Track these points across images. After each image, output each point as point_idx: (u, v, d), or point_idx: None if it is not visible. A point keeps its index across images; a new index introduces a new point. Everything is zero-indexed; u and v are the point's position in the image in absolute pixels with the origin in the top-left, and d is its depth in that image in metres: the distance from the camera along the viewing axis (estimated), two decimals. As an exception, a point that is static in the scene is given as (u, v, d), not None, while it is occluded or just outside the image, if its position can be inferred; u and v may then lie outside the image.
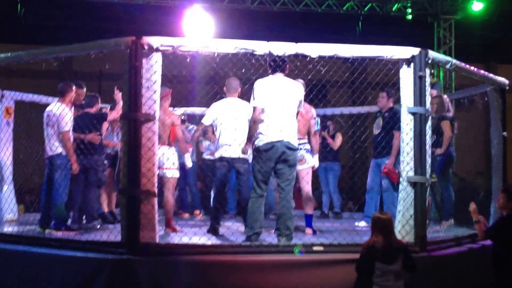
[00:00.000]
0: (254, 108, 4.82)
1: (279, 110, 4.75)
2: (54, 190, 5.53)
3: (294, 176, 4.89)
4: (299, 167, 5.83)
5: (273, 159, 4.73)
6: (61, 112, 5.55)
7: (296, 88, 4.90)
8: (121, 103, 5.73)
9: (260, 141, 4.76)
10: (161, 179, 5.78)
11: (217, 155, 5.77)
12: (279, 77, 4.88)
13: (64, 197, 5.57)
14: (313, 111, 5.98)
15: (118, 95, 5.89)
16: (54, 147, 5.56)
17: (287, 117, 4.79)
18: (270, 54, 4.69)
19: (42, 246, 4.73)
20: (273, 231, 5.21)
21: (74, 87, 5.73)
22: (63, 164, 5.55)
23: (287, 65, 4.92)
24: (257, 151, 4.79)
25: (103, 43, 4.67)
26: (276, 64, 4.83)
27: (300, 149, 5.82)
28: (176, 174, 5.88)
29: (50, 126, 5.58)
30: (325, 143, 7.91)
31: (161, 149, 5.64)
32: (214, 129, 5.81)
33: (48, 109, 5.72)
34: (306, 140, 5.94)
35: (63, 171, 5.54)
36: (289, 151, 4.75)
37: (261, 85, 4.80)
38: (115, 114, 5.96)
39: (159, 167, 5.68)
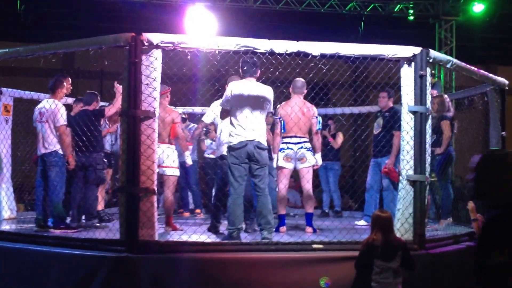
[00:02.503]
0: (222, 109, 5.07)
1: (251, 112, 4.91)
2: (50, 188, 5.50)
3: (267, 173, 5.10)
4: (300, 165, 5.84)
5: (245, 157, 4.91)
6: (54, 107, 5.53)
7: (266, 92, 5.04)
8: (120, 97, 5.73)
9: (234, 139, 4.92)
10: (161, 177, 5.79)
11: (218, 153, 5.78)
12: (251, 80, 5.02)
13: (61, 196, 5.54)
14: (314, 110, 5.99)
15: (118, 88, 5.88)
16: (47, 144, 5.54)
17: (258, 118, 4.96)
18: (243, 59, 4.91)
19: (40, 244, 4.72)
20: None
21: (65, 83, 5.70)
22: (57, 161, 5.52)
23: (259, 70, 5.07)
24: (231, 149, 4.94)
25: (103, 40, 4.67)
26: (248, 68, 4.99)
27: (302, 147, 5.83)
28: (176, 172, 5.88)
29: (44, 122, 5.56)
30: (326, 142, 7.92)
31: (161, 147, 5.64)
32: (216, 127, 5.82)
33: (39, 106, 5.70)
34: (307, 139, 5.95)
35: (58, 169, 5.51)
36: (260, 150, 4.94)
37: (233, 87, 4.96)
38: (113, 109, 5.94)
39: (159, 165, 5.68)
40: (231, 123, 4.97)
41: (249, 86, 4.97)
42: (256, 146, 4.90)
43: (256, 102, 4.94)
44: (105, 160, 6.28)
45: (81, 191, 6.00)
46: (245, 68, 5.00)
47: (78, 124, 5.89)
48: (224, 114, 5.09)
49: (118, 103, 5.91)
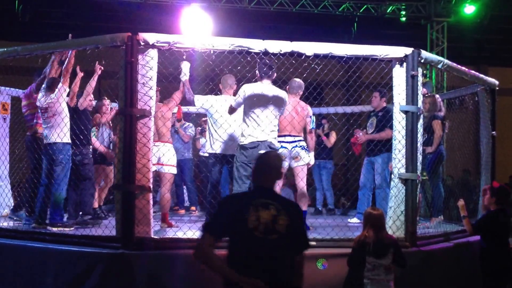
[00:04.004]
0: (232, 107, 5.24)
1: (265, 113, 5.03)
2: (54, 184, 5.49)
3: None
4: (294, 164, 5.92)
5: (256, 157, 4.91)
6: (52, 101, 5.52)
7: (281, 94, 5.18)
8: (94, 80, 5.72)
9: (246, 140, 5.03)
10: (158, 175, 5.84)
11: (209, 151, 5.79)
12: (266, 83, 5.15)
13: (64, 192, 5.53)
14: (309, 110, 6.08)
15: (98, 68, 5.81)
16: (48, 136, 5.54)
17: (272, 120, 5.09)
18: (260, 62, 5.01)
19: (37, 240, 4.77)
20: None
21: (61, 82, 5.71)
22: (56, 153, 5.48)
23: (274, 73, 5.20)
24: (242, 148, 5.04)
25: (99, 39, 4.71)
26: (265, 71, 5.12)
27: (296, 146, 5.91)
28: (173, 170, 5.95)
29: (44, 119, 5.59)
30: (319, 140, 8.00)
31: (159, 145, 5.71)
32: (210, 124, 5.81)
33: (38, 104, 5.74)
34: (301, 137, 6.03)
35: (58, 161, 5.48)
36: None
37: (248, 89, 5.07)
38: (85, 102, 5.85)
39: (157, 163, 5.75)
40: (244, 122, 5.08)
41: (264, 88, 5.10)
42: (268, 146, 5.03)
43: (270, 104, 5.06)
44: (90, 156, 6.28)
45: (77, 188, 6.01)
46: (263, 70, 5.13)
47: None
48: (232, 111, 5.24)
49: (89, 88, 5.79)
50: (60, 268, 4.44)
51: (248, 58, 4.94)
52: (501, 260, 4.87)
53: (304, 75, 5.58)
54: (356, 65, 5.22)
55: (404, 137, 4.85)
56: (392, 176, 4.94)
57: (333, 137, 8.17)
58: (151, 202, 4.54)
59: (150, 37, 4.48)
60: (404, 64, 4.88)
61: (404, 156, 4.84)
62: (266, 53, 4.74)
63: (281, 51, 4.71)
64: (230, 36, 4.75)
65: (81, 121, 5.87)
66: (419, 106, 4.88)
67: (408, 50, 4.86)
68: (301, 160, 5.92)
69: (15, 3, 10.88)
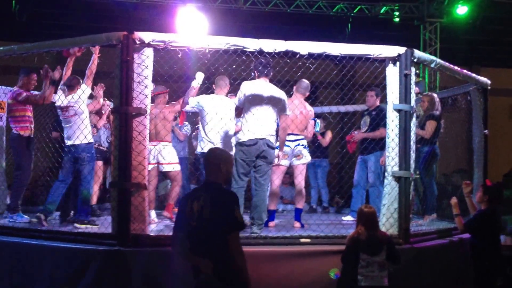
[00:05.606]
0: (236, 107, 5.27)
1: (263, 111, 5.06)
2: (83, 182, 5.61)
3: (270, 171, 5.29)
4: (296, 162, 5.99)
5: (254, 154, 5.04)
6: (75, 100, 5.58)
7: (278, 93, 5.21)
8: (100, 100, 5.83)
9: (244, 136, 5.05)
10: (166, 174, 6.02)
11: (199, 150, 5.79)
12: (264, 81, 5.20)
13: (91, 184, 5.62)
14: (312, 112, 6.17)
15: (99, 91, 5.93)
16: (70, 136, 5.60)
17: (269, 118, 5.11)
18: (257, 59, 5.04)
19: (34, 237, 4.79)
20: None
21: (81, 81, 5.70)
22: (80, 153, 5.57)
23: (271, 72, 5.24)
24: (240, 145, 5.06)
25: (95, 38, 4.74)
26: (261, 70, 5.17)
27: (298, 144, 5.97)
28: (177, 167, 6.11)
29: (64, 117, 5.64)
30: (315, 139, 8.05)
31: (161, 145, 5.84)
32: (202, 126, 5.84)
33: (57, 104, 5.74)
34: (303, 136, 6.09)
35: (84, 161, 5.56)
36: (269, 149, 5.10)
37: (247, 87, 5.11)
38: (92, 107, 5.97)
39: (157, 163, 5.80)
40: (243, 119, 5.12)
41: (262, 86, 5.14)
42: (266, 144, 5.05)
43: (268, 102, 5.09)
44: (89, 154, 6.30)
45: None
46: (259, 68, 5.16)
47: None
48: (239, 112, 5.27)
49: (95, 102, 5.96)
50: (56, 265, 4.46)
51: (243, 57, 4.98)
52: (493, 258, 4.94)
53: (299, 75, 5.62)
54: (350, 65, 5.27)
55: (398, 135, 4.89)
56: (386, 174, 4.98)
57: (328, 136, 8.23)
58: (147, 199, 4.57)
59: (146, 36, 4.50)
60: (397, 63, 4.92)
61: (398, 154, 4.89)
62: (261, 52, 4.76)
63: (275, 50, 4.74)
64: (225, 36, 4.78)
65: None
66: (412, 104, 4.93)
67: (401, 50, 4.91)
68: (303, 158, 6.00)
69: (12, 3, 10.85)
